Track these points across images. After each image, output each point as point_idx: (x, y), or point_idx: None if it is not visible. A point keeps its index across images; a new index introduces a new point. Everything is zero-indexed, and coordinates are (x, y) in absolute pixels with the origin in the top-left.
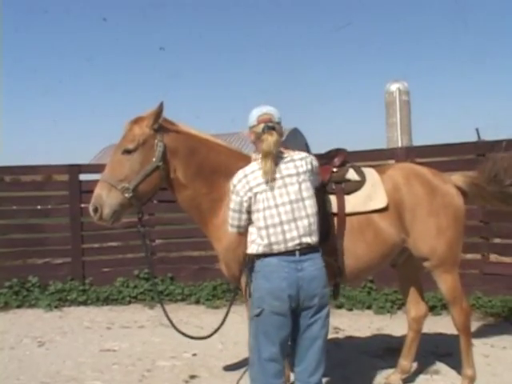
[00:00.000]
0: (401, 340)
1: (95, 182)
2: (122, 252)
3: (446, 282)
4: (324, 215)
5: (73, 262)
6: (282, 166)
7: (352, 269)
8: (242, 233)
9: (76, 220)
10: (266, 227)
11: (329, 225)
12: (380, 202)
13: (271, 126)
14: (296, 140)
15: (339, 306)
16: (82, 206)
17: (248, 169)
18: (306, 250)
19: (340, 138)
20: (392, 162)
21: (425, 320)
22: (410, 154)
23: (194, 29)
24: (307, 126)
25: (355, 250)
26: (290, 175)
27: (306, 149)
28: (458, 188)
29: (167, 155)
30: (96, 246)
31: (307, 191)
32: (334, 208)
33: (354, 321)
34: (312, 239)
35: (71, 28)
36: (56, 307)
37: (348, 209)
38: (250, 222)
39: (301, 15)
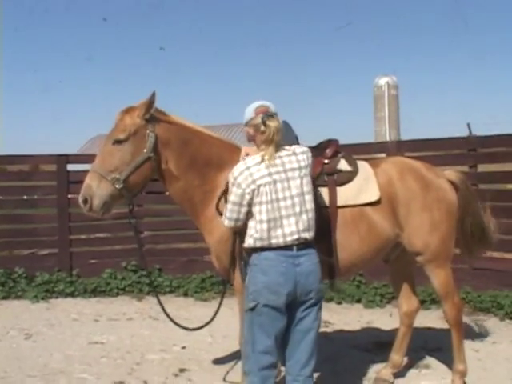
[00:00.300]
0: (390, 334)
1: (83, 172)
2: (109, 243)
3: (438, 277)
4: (316, 208)
5: (60, 253)
6: (285, 159)
7: (345, 263)
8: (240, 226)
9: (63, 211)
10: (268, 221)
11: (321, 218)
12: (372, 194)
13: (271, 114)
14: (286, 133)
15: (328, 300)
16: (70, 196)
17: (250, 161)
18: (303, 245)
19: (328, 131)
20: (383, 155)
21: (416, 315)
22: (401, 147)
23: (194, 25)
24: (295, 119)
25: (349, 244)
26: (292, 169)
27: (296, 142)
28: (451, 183)
29: (159, 146)
30: (83, 237)
31: (307, 186)
32: (326, 201)
33: (343, 315)
34: (310, 234)
35: (71, 27)
36: (43, 299)
37: (340, 201)
38: (249, 215)
39: (293, 12)
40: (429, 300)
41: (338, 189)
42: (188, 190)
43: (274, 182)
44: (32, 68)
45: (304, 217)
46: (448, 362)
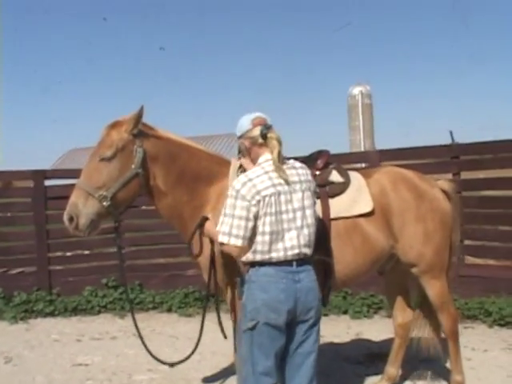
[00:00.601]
0: (381, 345)
1: (62, 187)
2: (89, 260)
3: (433, 288)
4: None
5: (38, 272)
6: (287, 172)
7: (340, 275)
8: (246, 246)
9: (41, 227)
10: (271, 233)
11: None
12: (365, 206)
13: (269, 126)
14: None
15: None
16: (48, 213)
17: (251, 174)
18: (302, 261)
19: (303, 140)
20: (362, 165)
21: (411, 326)
22: (383, 156)
23: (195, 29)
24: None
25: (343, 256)
26: (293, 182)
27: None
28: (444, 192)
29: (147, 162)
30: (62, 254)
31: (308, 200)
32: (319, 213)
33: (331, 326)
34: (309, 250)
35: (71, 28)
36: (22, 319)
37: (333, 213)
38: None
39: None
40: None
41: (331, 201)
42: (177, 206)
43: (279, 193)
44: (32, 68)
45: (305, 231)
46: (442, 371)
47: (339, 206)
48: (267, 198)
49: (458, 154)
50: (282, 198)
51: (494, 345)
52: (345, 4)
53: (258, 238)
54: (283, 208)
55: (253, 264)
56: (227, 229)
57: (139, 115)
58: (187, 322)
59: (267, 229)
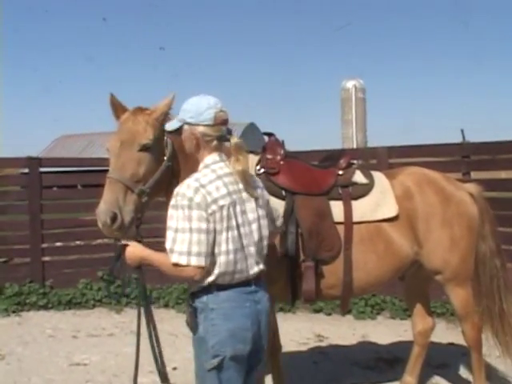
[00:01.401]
0: (389, 349)
1: (57, 176)
2: (85, 252)
3: (458, 297)
4: (330, 224)
5: (32, 263)
6: (238, 177)
7: (361, 283)
8: (209, 265)
9: (36, 217)
10: (235, 251)
11: (335, 235)
12: (390, 210)
13: (230, 131)
14: (254, 136)
15: (317, 311)
16: (43, 202)
17: (203, 178)
18: (258, 277)
19: (293, 134)
20: (373, 161)
21: (431, 334)
22: (392, 153)
23: (194, 26)
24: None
25: (365, 263)
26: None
27: (263, 145)
28: (471, 196)
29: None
30: (57, 245)
31: (262, 209)
32: (340, 216)
33: (335, 327)
34: (264, 265)
35: (71, 27)
36: (14, 312)
37: (356, 217)
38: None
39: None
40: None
41: (354, 203)
42: None
43: (234, 203)
44: (31, 68)
45: (260, 245)
46: (455, 379)
47: (363, 209)
48: (225, 210)
49: (469, 153)
50: (238, 208)
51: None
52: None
53: (222, 259)
54: (240, 220)
55: (208, 289)
56: (185, 247)
57: (171, 103)
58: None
59: (231, 246)
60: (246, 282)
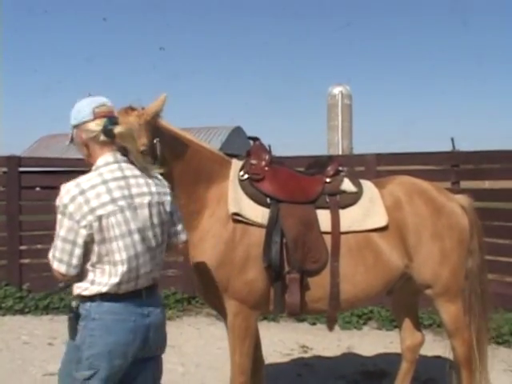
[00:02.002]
0: (375, 361)
1: (36, 176)
2: None
3: (448, 312)
4: (317, 234)
5: (9, 265)
6: (132, 181)
7: (349, 296)
8: (74, 275)
9: (14, 219)
10: (128, 261)
11: (322, 245)
12: (379, 219)
13: (116, 119)
14: (239, 139)
15: (301, 320)
16: (21, 203)
17: (85, 183)
18: (151, 288)
19: (279, 139)
20: (361, 168)
21: (420, 349)
22: (380, 161)
23: (194, 28)
24: (250, 126)
25: (353, 275)
26: (141, 194)
27: (248, 147)
28: (462, 208)
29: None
30: (36, 247)
31: (158, 216)
32: (328, 225)
33: (320, 337)
34: (159, 274)
35: (71, 28)
36: None
37: (343, 227)
38: (87, 258)
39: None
40: None
41: (341, 212)
42: None
43: (122, 210)
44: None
45: (152, 254)
46: None
47: (351, 219)
48: (104, 219)
49: (459, 162)
50: (126, 216)
51: (491, 365)
52: (330, 5)
53: (117, 270)
54: (132, 227)
55: (93, 296)
56: (53, 250)
57: (163, 104)
58: (167, 326)
59: (124, 256)
60: (135, 293)
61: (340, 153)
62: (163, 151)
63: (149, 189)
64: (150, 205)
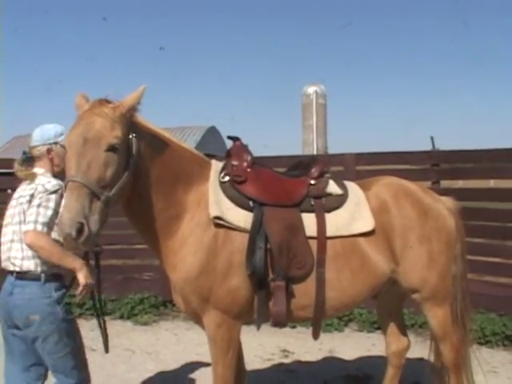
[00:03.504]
0: (358, 365)
1: (6, 178)
2: None
3: (436, 316)
4: (302, 239)
5: None
6: (23, 186)
7: (335, 303)
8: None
9: None
10: (3, 243)
11: (307, 251)
12: (366, 224)
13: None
14: (214, 139)
15: None
16: None
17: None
18: (21, 274)
19: (255, 138)
20: (340, 168)
21: (406, 354)
22: (360, 160)
23: (194, 27)
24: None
25: (339, 281)
26: (16, 197)
27: (225, 149)
28: (448, 210)
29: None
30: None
31: (19, 216)
32: (313, 230)
33: (301, 341)
34: (23, 265)
35: (71, 28)
36: None
37: (329, 231)
38: None
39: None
40: None
41: (327, 216)
42: (149, 214)
43: (10, 206)
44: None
45: (16, 245)
46: None
47: (337, 223)
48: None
49: (439, 161)
50: (7, 211)
51: (475, 367)
52: (313, 4)
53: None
54: (6, 221)
55: None
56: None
57: (140, 97)
58: (143, 331)
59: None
60: (8, 272)
61: (315, 152)
62: (140, 148)
63: (19, 193)
64: (15, 205)
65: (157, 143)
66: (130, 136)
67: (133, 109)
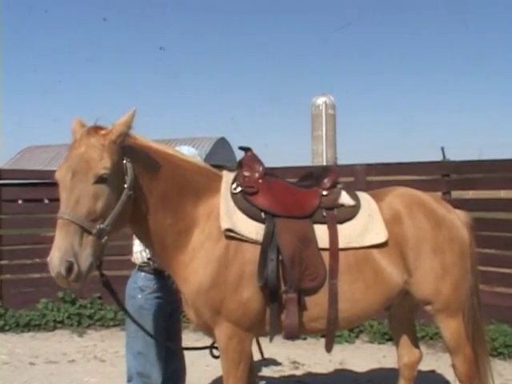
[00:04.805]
0: (369, 377)
1: (17, 189)
2: (46, 270)
3: (449, 328)
4: (314, 251)
5: None
6: None
7: (347, 314)
8: None
9: None
10: None
11: (319, 262)
12: (379, 235)
13: None
14: (224, 150)
15: None
16: (2, 217)
17: None
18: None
19: (264, 149)
20: (351, 179)
21: (418, 366)
22: (370, 171)
23: (194, 28)
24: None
25: (352, 293)
26: None
27: (234, 159)
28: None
29: (134, 179)
30: (16, 262)
31: None
32: (325, 241)
33: (311, 352)
34: (133, 258)
35: (71, 28)
36: None
37: (342, 243)
38: None
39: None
40: None
41: (340, 227)
42: (158, 231)
43: None
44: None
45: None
46: None
47: (349, 234)
48: None
49: (449, 171)
50: None
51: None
52: (316, 13)
53: None
54: None
55: None
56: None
57: (131, 120)
58: None
59: None
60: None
61: (325, 163)
62: (138, 171)
63: None
64: None
65: (157, 162)
66: (124, 161)
67: (122, 135)
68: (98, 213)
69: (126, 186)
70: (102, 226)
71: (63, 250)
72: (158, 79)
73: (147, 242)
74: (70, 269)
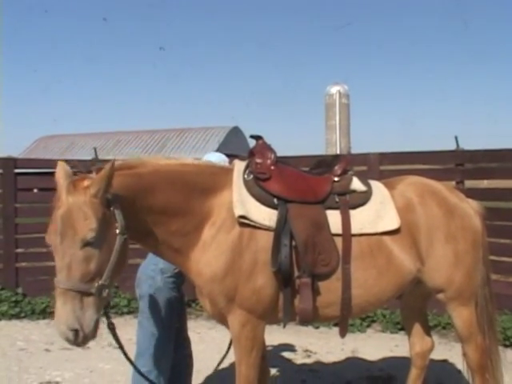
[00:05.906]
0: (380, 366)
1: (33, 178)
2: None
3: (461, 317)
4: (327, 236)
5: (4, 269)
6: None
7: (360, 301)
8: None
9: (10, 221)
10: None
11: (332, 248)
12: (391, 221)
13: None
14: (237, 139)
15: None
16: (17, 205)
17: None
18: None
19: (278, 139)
20: (364, 168)
21: (430, 355)
22: (384, 160)
23: (195, 27)
24: (247, 126)
25: (365, 279)
26: None
27: (247, 149)
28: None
29: (126, 215)
30: (32, 250)
31: None
32: (338, 227)
33: (323, 341)
34: None
35: (71, 28)
36: None
37: (355, 228)
38: None
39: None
40: None
41: (352, 212)
42: (164, 240)
43: None
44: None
45: None
46: None
47: (362, 220)
48: None
49: (463, 161)
50: None
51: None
52: (328, 4)
53: None
54: None
55: None
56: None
57: (110, 174)
58: None
59: None
60: None
61: (338, 152)
62: (128, 202)
63: None
64: None
65: (149, 182)
66: (112, 208)
67: (103, 189)
68: (92, 273)
69: (118, 231)
70: (100, 282)
71: (64, 319)
72: (171, 71)
73: (156, 251)
74: (76, 335)
